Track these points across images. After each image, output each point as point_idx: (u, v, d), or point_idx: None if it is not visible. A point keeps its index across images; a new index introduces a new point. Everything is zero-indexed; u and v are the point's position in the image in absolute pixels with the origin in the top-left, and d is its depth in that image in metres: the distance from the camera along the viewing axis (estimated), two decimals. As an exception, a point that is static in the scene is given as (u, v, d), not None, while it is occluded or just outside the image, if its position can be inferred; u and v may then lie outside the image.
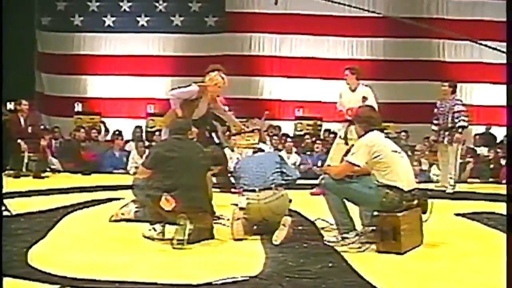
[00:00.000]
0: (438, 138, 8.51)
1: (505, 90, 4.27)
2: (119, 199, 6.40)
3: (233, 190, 6.69)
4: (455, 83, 8.86)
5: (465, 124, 8.20)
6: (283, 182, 4.73)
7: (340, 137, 7.48)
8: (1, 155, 4.28)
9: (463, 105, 8.42)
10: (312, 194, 7.36)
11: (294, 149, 11.08)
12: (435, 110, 8.64)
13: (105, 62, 14.11)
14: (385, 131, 4.96)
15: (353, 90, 7.37)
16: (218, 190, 7.29)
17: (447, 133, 8.27)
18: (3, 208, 5.01)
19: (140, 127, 12.67)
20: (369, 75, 13.73)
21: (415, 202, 4.28)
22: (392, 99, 13.17)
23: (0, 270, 3.01)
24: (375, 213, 4.23)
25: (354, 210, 4.51)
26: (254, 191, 4.60)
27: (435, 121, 8.59)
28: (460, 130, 8.13)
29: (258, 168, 4.75)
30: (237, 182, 4.89)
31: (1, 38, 4.33)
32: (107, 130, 12.61)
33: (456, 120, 8.13)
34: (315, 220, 5.20)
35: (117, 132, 12.27)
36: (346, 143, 7.20)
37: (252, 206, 4.56)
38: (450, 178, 8.28)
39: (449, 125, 8.22)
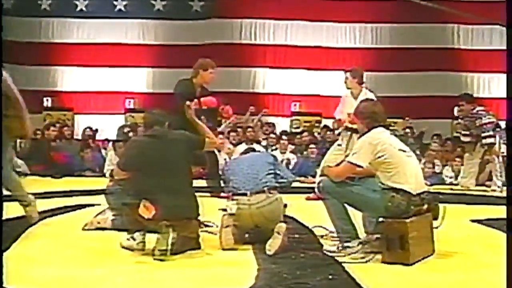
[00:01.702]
0: (471, 148, 8.65)
1: (507, 80, 4.29)
2: (94, 205, 6.38)
3: (222, 194, 6.70)
4: (469, 94, 8.98)
5: (493, 140, 8.33)
6: (277, 185, 4.74)
7: (339, 145, 7.45)
8: (1, 156, 4.43)
9: (485, 111, 8.51)
10: (308, 199, 7.38)
11: (289, 148, 11.11)
12: (460, 121, 8.77)
13: (77, 51, 14.06)
14: (390, 128, 4.97)
15: (355, 97, 7.23)
16: (207, 194, 7.30)
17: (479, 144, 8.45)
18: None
19: (124, 126, 12.61)
20: (374, 66, 13.84)
21: (425, 206, 4.29)
22: (399, 92, 13.24)
23: (1, 271, 3.09)
24: (380, 219, 4.25)
25: (356, 216, 4.53)
26: (245, 195, 4.61)
27: (464, 132, 8.71)
28: (487, 147, 8.29)
29: (249, 169, 4.75)
30: (226, 185, 4.90)
31: (0, 39, 4.42)
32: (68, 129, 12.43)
33: (484, 134, 8.27)
34: (313, 227, 5.21)
35: (88, 130, 12.25)
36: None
37: (242, 212, 4.57)
38: (497, 178, 8.38)
39: (482, 140, 8.37)
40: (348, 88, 7.39)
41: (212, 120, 7.29)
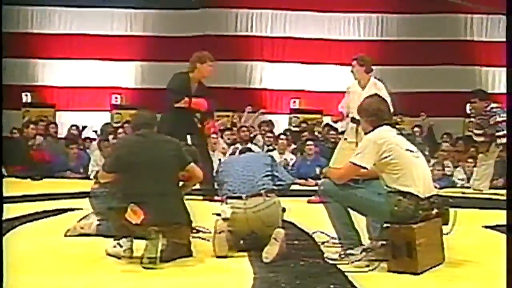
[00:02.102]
0: (485, 148, 8.67)
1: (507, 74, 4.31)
2: (77, 209, 6.38)
3: (216, 197, 6.72)
4: (483, 90, 8.99)
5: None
6: (275, 187, 4.75)
7: (345, 139, 7.47)
8: (1, 157, 4.44)
9: (500, 108, 8.53)
10: (309, 202, 7.40)
11: (288, 148, 11.11)
12: (473, 119, 8.79)
13: (59, 42, 14.05)
14: (397, 126, 4.99)
15: (363, 87, 7.28)
16: (200, 197, 7.31)
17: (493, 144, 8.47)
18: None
19: (110, 124, 12.63)
20: (380, 60, 13.80)
21: (434, 211, 4.31)
22: (407, 88, 13.24)
23: (1, 271, 3.12)
24: (386, 224, 4.25)
25: (360, 221, 4.54)
26: (240, 198, 4.62)
27: (476, 131, 8.72)
28: (502, 147, 8.31)
29: (245, 171, 4.77)
30: (220, 187, 4.91)
31: (1, 40, 4.44)
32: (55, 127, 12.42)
33: (499, 133, 8.29)
34: (314, 233, 5.23)
35: (74, 128, 12.25)
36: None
37: (238, 216, 4.57)
38: None
39: (497, 140, 8.40)
40: (355, 79, 7.38)
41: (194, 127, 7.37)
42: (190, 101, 7.24)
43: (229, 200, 4.67)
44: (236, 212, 4.58)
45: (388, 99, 7.07)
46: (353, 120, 7.32)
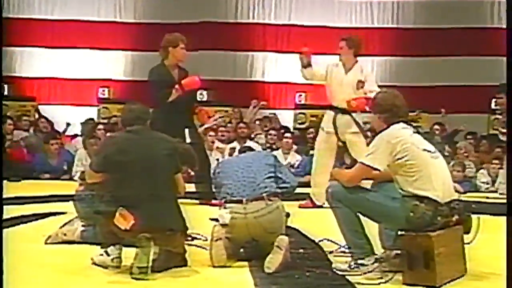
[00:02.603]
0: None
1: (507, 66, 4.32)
2: (59, 213, 6.39)
3: (213, 201, 6.73)
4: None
5: None
6: (278, 190, 4.76)
7: (322, 129, 7.50)
8: (1, 158, 4.49)
9: None
10: (301, 207, 7.39)
11: (294, 147, 11.09)
12: (499, 116, 8.78)
13: (39, 29, 14.06)
14: (414, 124, 5.00)
15: (347, 71, 7.39)
16: (196, 201, 7.32)
17: None
18: None
19: (92, 119, 12.65)
20: (395, 49, 13.89)
21: (455, 218, 4.31)
22: (425, 81, 13.25)
23: (1, 271, 3.19)
24: (400, 232, 4.26)
25: (372, 229, 4.54)
26: (240, 202, 4.62)
27: (503, 129, 8.71)
28: None
29: (246, 172, 4.77)
30: (218, 190, 4.92)
31: (1, 41, 4.49)
32: (46, 122, 12.49)
33: None
34: (321, 241, 5.24)
35: (44, 121, 12.24)
36: (339, 139, 7.28)
37: (237, 222, 4.58)
38: None
39: None
40: (340, 60, 7.49)
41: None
42: (181, 87, 7.22)
43: (227, 204, 4.67)
44: (236, 217, 4.59)
45: (376, 89, 7.19)
46: (331, 108, 7.36)
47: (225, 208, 4.68)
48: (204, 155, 7.57)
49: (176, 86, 7.22)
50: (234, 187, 4.73)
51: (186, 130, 7.32)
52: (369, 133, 8.15)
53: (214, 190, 5.10)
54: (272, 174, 4.82)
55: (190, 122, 7.57)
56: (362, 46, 7.57)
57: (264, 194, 4.66)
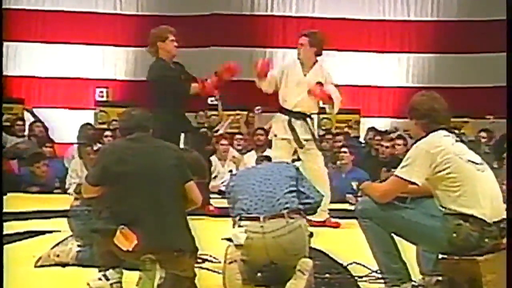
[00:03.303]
0: None
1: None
2: (51, 232, 6.41)
3: (211, 208, 6.74)
4: None
5: None
6: (301, 206, 4.75)
7: (276, 136, 7.51)
8: (1, 160, 4.59)
9: None
10: (325, 224, 7.32)
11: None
12: None
13: (30, 21, 14.12)
14: (456, 131, 4.98)
15: (306, 71, 7.40)
16: (204, 217, 7.32)
17: None
18: None
19: (90, 124, 12.66)
20: (433, 46, 13.83)
21: (505, 240, 4.28)
22: (469, 81, 13.17)
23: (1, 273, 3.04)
24: (442, 255, 4.24)
25: (408, 251, 4.53)
26: (257, 219, 4.62)
27: None
28: None
29: (263, 185, 4.77)
30: (232, 206, 4.91)
31: (1, 40, 4.57)
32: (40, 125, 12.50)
33: None
34: (349, 264, 5.23)
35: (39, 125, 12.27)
36: (301, 146, 7.30)
37: (254, 243, 4.57)
38: None
39: None
40: (298, 59, 7.49)
41: None
42: (219, 77, 7.29)
43: (243, 222, 4.66)
44: (252, 237, 4.58)
45: (338, 97, 7.20)
46: (284, 111, 7.33)
47: (240, 226, 4.66)
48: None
49: (199, 81, 7.26)
50: (250, 203, 4.72)
51: (182, 135, 7.37)
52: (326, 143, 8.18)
53: (228, 206, 5.09)
54: (294, 188, 4.81)
55: (187, 126, 7.62)
56: (325, 44, 7.55)
57: (285, 211, 4.64)
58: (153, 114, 7.11)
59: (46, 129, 12.30)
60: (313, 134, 7.50)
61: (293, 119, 7.40)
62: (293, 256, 4.55)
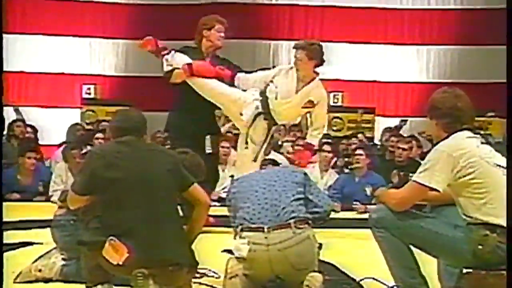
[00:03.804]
0: None
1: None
2: (32, 243, 6.41)
3: (211, 219, 6.74)
4: None
5: None
6: (309, 215, 4.75)
7: (251, 140, 7.42)
8: (1, 162, 4.65)
9: None
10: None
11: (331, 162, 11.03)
12: None
13: (8, 10, 14.09)
14: (482, 132, 4.98)
15: (301, 86, 7.26)
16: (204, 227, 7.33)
17: None
18: None
19: (79, 125, 12.66)
20: (458, 37, 13.79)
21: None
22: (496, 76, 13.13)
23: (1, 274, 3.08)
24: (466, 270, 4.25)
25: (428, 265, 4.53)
26: (260, 230, 4.63)
27: None
28: None
29: (268, 192, 4.78)
30: (233, 215, 4.92)
31: (1, 39, 4.63)
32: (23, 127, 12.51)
33: None
34: (363, 279, 5.24)
35: (30, 130, 12.29)
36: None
37: (257, 256, 4.58)
38: None
39: None
40: (297, 70, 7.30)
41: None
42: (190, 69, 7.21)
43: (245, 233, 4.67)
44: (255, 249, 4.59)
45: (324, 120, 7.19)
46: (264, 115, 7.27)
47: (242, 237, 4.67)
48: (216, 169, 7.65)
49: (185, 65, 7.19)
50: (253, 211, 4.74)
51: (208, 137, 7.37)
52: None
53: (228, 214, 5.11)
54: (301, 196, 4.82)
55: (214, 127, 7.63)
56: (323, 55, 7.37)
57: (291, 220, 4.65)
58: (178, 114, 7.24)
59: (36, 130, 12.29)
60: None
61: (273, 128, 7.42)
62: (300, 271, 4.56)
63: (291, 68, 7.37)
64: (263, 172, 5.24)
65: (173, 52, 7.19)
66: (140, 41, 7.32)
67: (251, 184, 4.95)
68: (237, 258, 4.62)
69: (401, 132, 12.61)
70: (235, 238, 4.78)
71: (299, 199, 4.79)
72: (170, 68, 7.16)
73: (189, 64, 7.16)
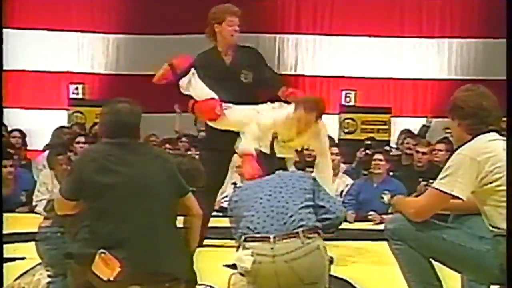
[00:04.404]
0: None
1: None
2: (14, 259, 6.43)
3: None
4: None
5: None
6: (318, 224, 4.75)
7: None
8: (1, 164, 4.71)
9: None
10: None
11: (342, 167, 11.02)
12: None
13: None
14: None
15: (301, 133, 7.13)
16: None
17: None
18: None
19: (66, 127, 12.65)
20: (482, 29, 13.77)
21: None
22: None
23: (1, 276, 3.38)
24: (493, 285, 4.26)
25: (451, 280, 4.53)
26: (266, 239, 4.62)
27: None
28: None
29: (274, 199, 4.78)
30: (236, 225, 4.92)
31: (1, 39, 4.67)
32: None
33: None
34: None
35: (16, 134, 12.30)
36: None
37: (262, 268, 4.58)
38: None
39: None
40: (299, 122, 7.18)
41: None
42: (172, 68, 7.10)
43: (249, 244, 4.67)
44: (260, 261, 4.58)
45: (326, 144, 7.17)
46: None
47: (245, 248, 4.66)
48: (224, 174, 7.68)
49: (166, 64, 7.10)
50: (257, 220, 4.73)
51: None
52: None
53: (230, 225, 5.11)
54: (310, 203, 4.81)
55: None
56: (324, 106, 7.37)
57: (299, 229, 4.64)
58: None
59: (24, 135, 12.29)
60: None
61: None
62: (309, 285, 4.57)
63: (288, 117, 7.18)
64: (268, 178, 5.22)
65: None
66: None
67: (255, 191, 4.94)
68: (240, 273, 4.62)
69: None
70: (237, 250, 4.77)
71: (308, 206, 4.77)
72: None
73: (170, 64, 7.13)
